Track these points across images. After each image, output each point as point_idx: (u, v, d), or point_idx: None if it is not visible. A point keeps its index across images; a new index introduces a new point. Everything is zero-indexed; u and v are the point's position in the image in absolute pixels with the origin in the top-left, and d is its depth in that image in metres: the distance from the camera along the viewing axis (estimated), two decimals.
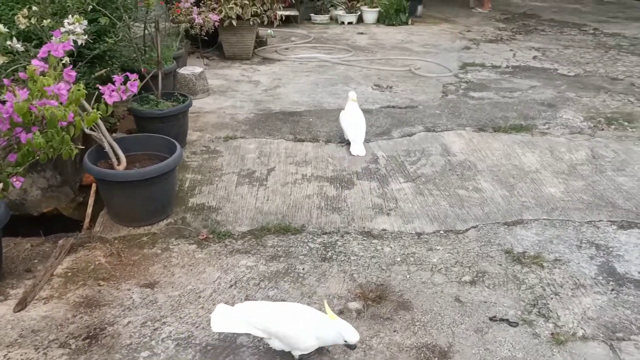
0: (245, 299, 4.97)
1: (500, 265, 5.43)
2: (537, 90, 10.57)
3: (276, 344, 3.90)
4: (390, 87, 10.65)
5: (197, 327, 4.62)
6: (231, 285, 5.14)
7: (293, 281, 5.23)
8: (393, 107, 9.62)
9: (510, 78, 11.34)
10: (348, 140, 7.87)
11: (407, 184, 7.02)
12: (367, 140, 8.17)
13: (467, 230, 6.03)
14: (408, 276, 5.29)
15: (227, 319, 3.97)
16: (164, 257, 5.53)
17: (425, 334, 4.57)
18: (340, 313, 4.80)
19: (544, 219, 6.21)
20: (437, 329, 4.63)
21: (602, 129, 8.75)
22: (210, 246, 5.73)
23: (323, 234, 5.99)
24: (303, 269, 5.40)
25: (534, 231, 5.98)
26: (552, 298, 4.95)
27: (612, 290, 5.03)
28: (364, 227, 6.10)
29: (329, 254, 5.64)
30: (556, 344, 4.42)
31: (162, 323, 4.67)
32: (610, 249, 5.65)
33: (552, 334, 4.53)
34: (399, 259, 5.55)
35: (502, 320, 4.71)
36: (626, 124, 8.93)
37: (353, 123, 7.84)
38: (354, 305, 4.91)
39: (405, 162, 7.58)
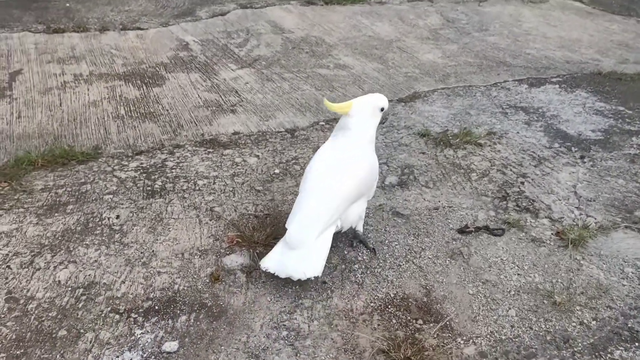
0: (9, 298, 2.35)
1: (424, 154, 3.59)
2: None
3: (352, 215, 2.57)
4: None
5: None
6: None
7: (105, 242, 2.71)
8: None
9: None
10: None
11: (244, 71, 4.73)
12: (164, 24, 5.58)
13: None
14: None
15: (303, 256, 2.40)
16: None
17: (377, 280, 2.54)
18: (215, 281, 2.50)
19: (443, 89, 4.54)
20: (392, 268, 2.63)
21: None
22: None
23: (137, 154, 3.47)
24: (117, 216, 2.90)
25: (440, 104, 4.27)
26: (522, 183, 3.29)
27: (582, 157, 3.57)
28: (202, 134, 3.73)
29: (159, 182, 3.19)
30: (573, 246, 2.76)
31: None
32: (540, 110, 4.21)
33: (558, 232, 2.86)
34: (277, 171, 3.36)
35: (477, 229, 2.89)
36: None
37: None
38: (236, 260, 2.63)
39: (230, 45, 5.24)
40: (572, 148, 3.67)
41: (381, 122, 2.70)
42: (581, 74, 4.88)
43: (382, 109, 2.64)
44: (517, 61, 5.17)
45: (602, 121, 4.05)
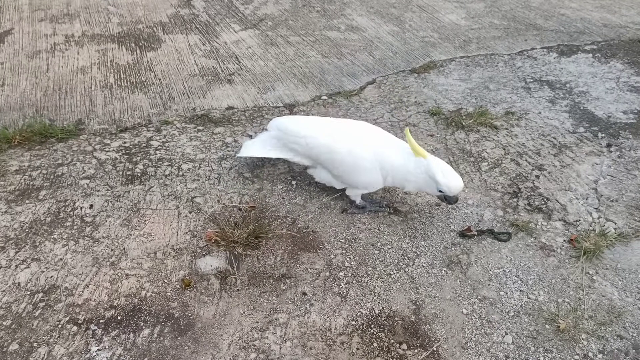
0: None
1: (432, 136, 3.27)
2: None
3: (322, 175, 2.67)
4: None
5: None
6: None
7: (74, 236, 2.53)
8: None
9: None
10: None
11: (248, 32, 4.40)
12: None
13: (362, 88, 3.73)
14: (295, 183, 2.90)
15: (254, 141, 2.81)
16: None
17: (363, 292, 2.30)
18: (187, 287, 2.31)
19: (462, 57, 4.14)
20: (380, 278, 2.39)
21: None
22: None
23: (122, 130, 3.25)
24: (91, 206, 2.70)
25: (457, 76, 3.89)
26: (537, 176, 2.96)
27: (609, 145, 3.20)
28: (194, 109, 3.47)
29: (141, 165, 2.97)
30: (586, 258, 2.46)
31: None
32: (567, 85, 3.80)
33: (571, 240, 2.56)
34: None
35: (481, 233, 2.61)
36: None
37: None
38: (211, 263, 2.43)
39: (236, 2, 4.88)
40: (599, 134, 3.30)
41: (446, 200, 2.50)
42: (618, 41, 4.40)
43: (440, 191, 2.43)
44: (549, 23, 4.69)
45: (637, 100, 3.63)
